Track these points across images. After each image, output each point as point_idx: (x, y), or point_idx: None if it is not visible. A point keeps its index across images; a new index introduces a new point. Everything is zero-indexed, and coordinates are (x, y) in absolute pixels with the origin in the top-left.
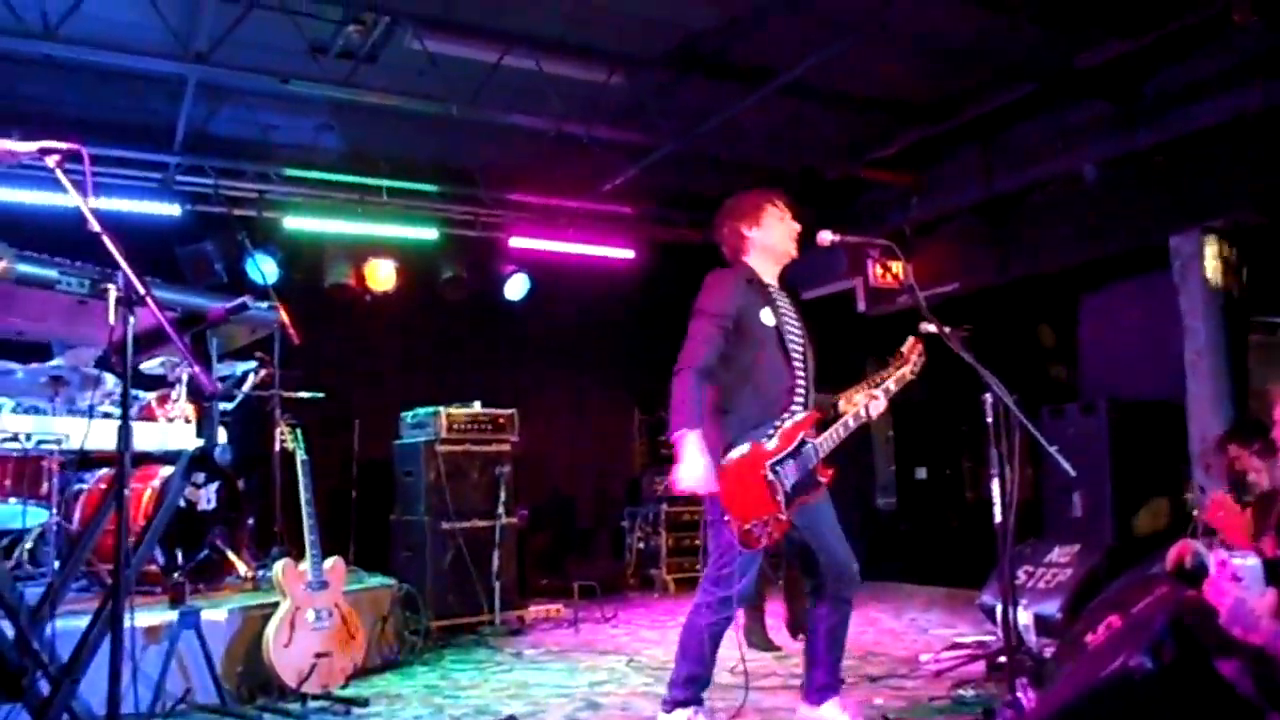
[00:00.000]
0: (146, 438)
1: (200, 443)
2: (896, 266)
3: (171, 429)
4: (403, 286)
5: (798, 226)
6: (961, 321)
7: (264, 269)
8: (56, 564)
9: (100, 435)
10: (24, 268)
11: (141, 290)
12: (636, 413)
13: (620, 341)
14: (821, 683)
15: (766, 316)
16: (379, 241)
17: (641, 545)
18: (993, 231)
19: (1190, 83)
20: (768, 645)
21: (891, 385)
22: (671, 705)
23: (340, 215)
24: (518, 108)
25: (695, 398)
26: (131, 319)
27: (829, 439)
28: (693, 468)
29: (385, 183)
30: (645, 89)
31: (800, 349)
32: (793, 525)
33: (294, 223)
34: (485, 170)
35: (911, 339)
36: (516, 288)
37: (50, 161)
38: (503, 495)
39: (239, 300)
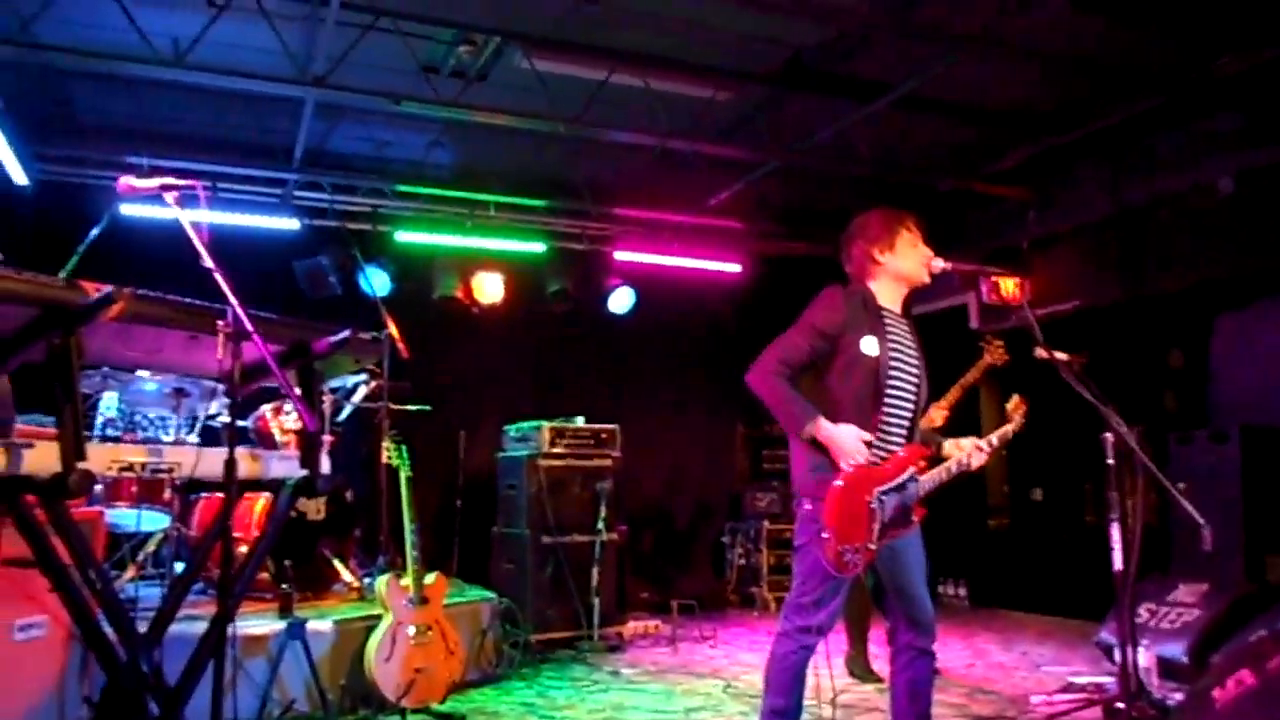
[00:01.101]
0: (251, 467)
1: (304, 473)
2: (1009, 284)
3: (275, 459)
4: (509, 299)
5: (929, 252)
6: (1082, 342)
7: (375, 282)
8: (178, 565)
9: (208, 464)
10: (139, 307)
11: (249, 327)
12: (740, 427)
13: (725, 355)
14: None
15: (869, 345)
16: (487, 255)
17: (743, 562)
18: (1117, 247)
19: None
20: (869, 676)
21: (995, 440)
22: None
23: (449, 229)
24: (624, 124)
25: (794, 393)
26: (239, 353)
27: (931, 479)
28: (850, 437)
29: (494, 198)
30: (752, 105)
31: (902, 384)
32: (878, 560)
33: (405, 236)
34: (592, 185)
35: (1016, 398)
36: (622, 301)
37: (169, 198)
38: (603, 511)
39: (343, 335)
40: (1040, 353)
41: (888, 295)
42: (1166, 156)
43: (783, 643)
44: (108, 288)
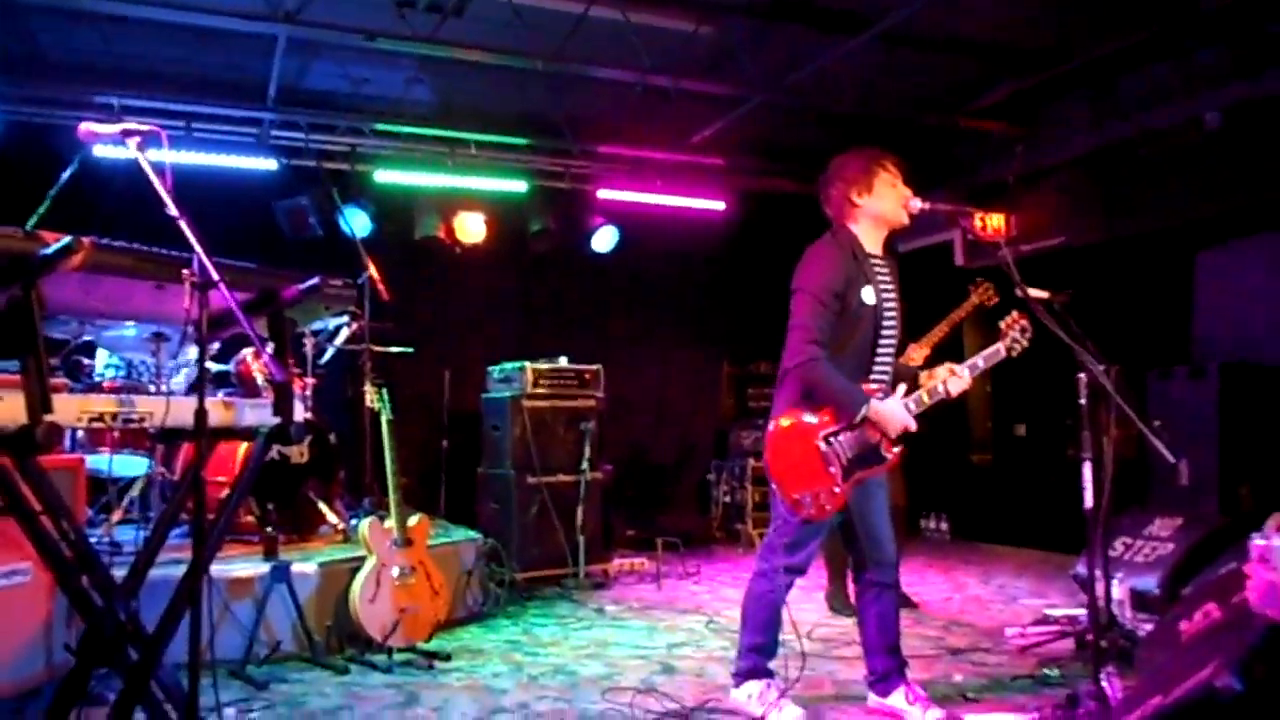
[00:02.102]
0: (224, 416)
1: (276, 421)
2: (996, 220)
3: (248, 407)
4: (492, 239)
5: (909, 193)
6: (1067, 277)
7: (355, 223)
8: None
9: (179, 413)
10: (101, 257)
11: (215, 276)
12: (725, 365)
13: (709, 293)
14: (882, 669)
15: (868, 295)
16: (468, 194)
17: (728, 499)
18: (1103, 183)
19: None
20: (851, 610)
21: (980, 362)
22: (741, 678)
23: (430, 168)
24: (604, 60)
25: (837, 378)
26: (206, 301)
27: None
28: (897, 415)
29: (474, 136)
30: (734, 38)
31: (892, 326)
32: (849, 499)
33: (385, 176)
34: (574, 122)
35: (1015, 313)
36: (605, 240)
37: (131, 143)
38: (587, 450)
39: (312, 282)
40: (1017, 292)
41: (869, 238)
42: (1152, 91)
43: (760, 582)
44: (67, 238)
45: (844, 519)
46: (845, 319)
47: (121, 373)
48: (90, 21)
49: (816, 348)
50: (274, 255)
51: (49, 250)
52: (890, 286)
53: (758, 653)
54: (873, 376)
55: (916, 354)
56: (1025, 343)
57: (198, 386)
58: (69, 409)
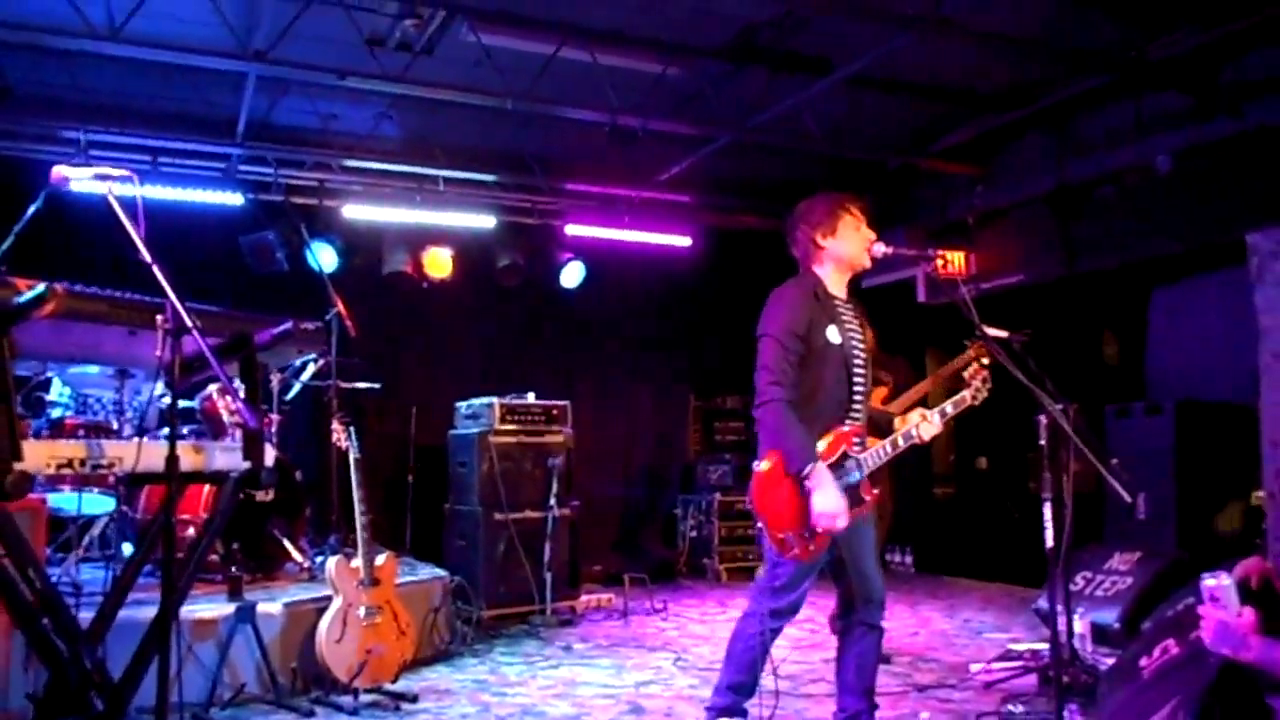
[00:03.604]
0: (193, 460)
1: (246, 465)
2: (956, 259)
3: (218, 451)
4: (460, 274)
5: (872, 235)
6: (1025, 314)
7: (323, 258)
8: (125, 546)
9: (149, 458)
10: (74, 304)
11: (188, 322)
12: (691, 399)
13: (676, 328)
14: (854, 710)
15: (833, 334)
16: (436, 230)
17: (694, 534)
18: (1060, 223)
19: (1270, 74)
20: None
21: (949, 409)
22: (715, 714)
23: (398, 204)
24: (573, 100)
25: (794, 425)
26: (179, 347)
27: (873, 455)
28: (830, 500)
29: (443, 172)
30: (702, 80)
31: (861, 364)
32: (839, 538)
33: (353, 211)
34: (542, 159)
35: (976, 364)
36: (573, 275)
37: (104, 188)
38: (555, 487)
39: (285, 326)
40: (989, 332)
41: (833, 280)
42: (1107, 134)
43: (750, 623)
44: (40, 285)
45: (834, 556)
46: (812, 360)
47: (74, 406)
48: (57, 56)
49: (778, 389)
50: (240, 290)
51: (22, 299)
52: (855, 327)
53: (736, 691)
54: (850, 416)
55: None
56: (986, 393)
57: (170, 432)
58: (38, 455)
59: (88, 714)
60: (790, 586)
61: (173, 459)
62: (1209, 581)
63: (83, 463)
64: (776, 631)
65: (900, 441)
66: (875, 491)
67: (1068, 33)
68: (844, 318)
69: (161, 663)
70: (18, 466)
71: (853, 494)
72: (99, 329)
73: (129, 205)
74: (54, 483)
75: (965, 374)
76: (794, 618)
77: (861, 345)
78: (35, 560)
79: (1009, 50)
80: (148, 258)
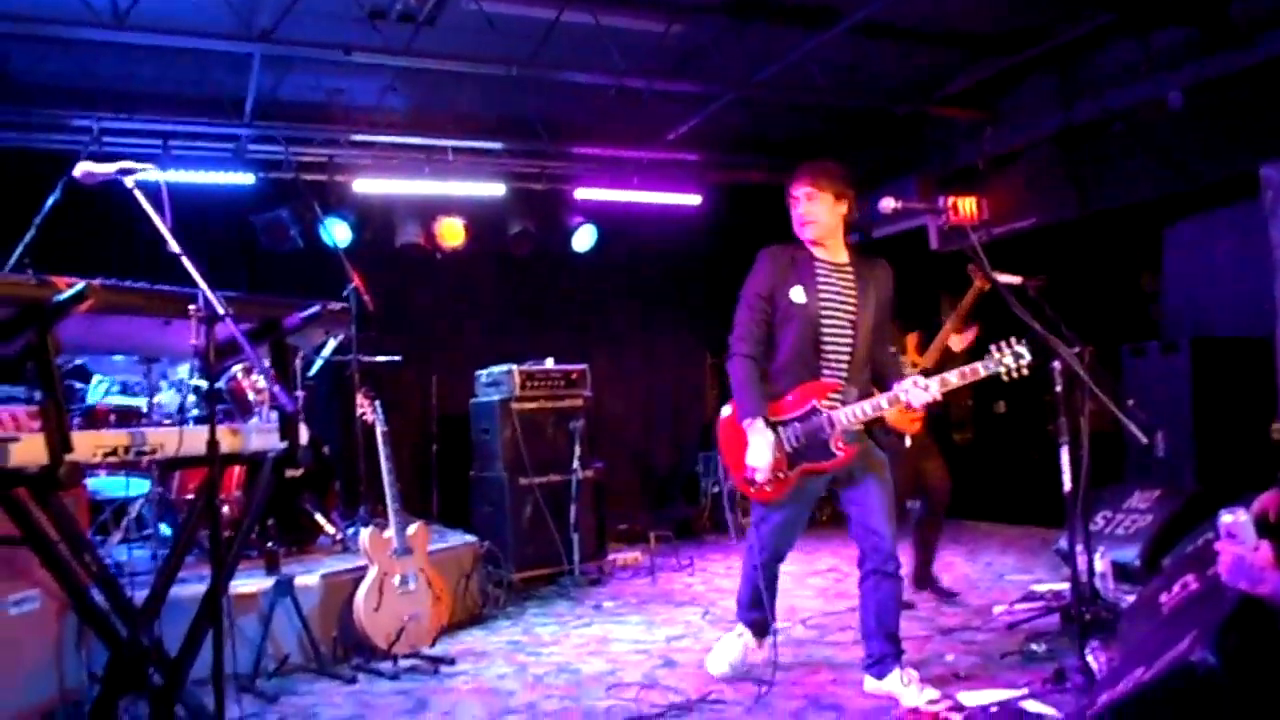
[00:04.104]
0: (231, 442)
1: (282, 446)
2: (968, 204)
3: (254, 433)
4: (472, 243)
5: (801, 213)
6: (1041, 258)
7: (336, 233)
8: (162, 527)
9: (190, 444)
10: (110, 298)
11: (221, 310)
12: (708, 357)
13: (690, 287)
14: (879, 653)
15: (797, 294)
16: (447, 199)
17: (715, 490)
18: (1071, 164)
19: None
20: (933, 587)
21: (953, 378)
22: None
23: (408, 175)
24: (578, 64)
25: (749, 381)
26: (213, 335)
27: (851, 413)
28: (756, 453)
29: (451, 142)
30: (705, 37)
31: (834, 327)
32: (836, 496)
33: (363, 185)
34: (548, 124)
35: (1012, 339)
36: (584, 239)
37: (129, 181)
38: (578, 449)
39: (313, 309)
40: (999, 278)
41: (819, 247)
42: (1115, 72)
43: (750, 553)
44: (80, 283)
45: (847, 516)
46: (777, 319)
47: (116, 388)
48: (61, 45)
49: (741, 344)
50: (255, 269)
51: (62, 296)
52: (840, 292)
53: (754, 627)
54: (824, 375)
55: (957, 344)
56: (1018, 372)
57: (208, 416)
58: (84, 445)
59: (147, 689)
60: (760, 523)
61: (213, 444)
62: (1226, 517)
63: (126, 450)
64: (758, 566)
65: (884, 404)
66: (851, 449)
67: None
68: (824, 281)
69: (216, 636)
70: (68, 458)
71: (820, 446)
72: (133, 320)
73: (153, 195)
74: (93, 469)
75: (992, 346)
76: (777, 555)
77: (842, 307)
78: (89, 544)
79: None
80: (176, 248)
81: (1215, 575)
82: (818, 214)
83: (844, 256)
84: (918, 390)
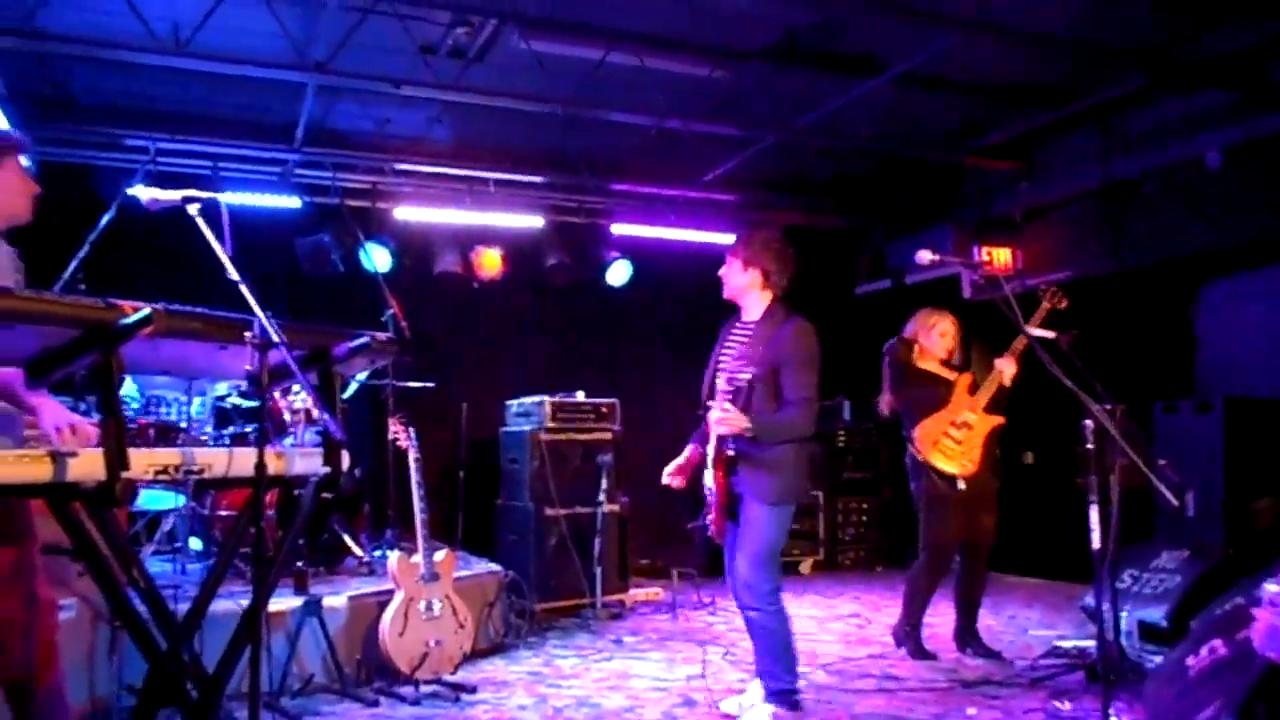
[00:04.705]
0: (276, 465)
1: (326, 470)
2: (1003, 255)
3: (298, 457)
4: (509, 273)
5: (720, 274)
6: (1072, 311)
7: (376, 259)
8: (192, 541)
9: (238, 465)
10: (171, 323)
11: (277, 339)
12: None
13: (720, 327)
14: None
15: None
16: (486, 230)
17: None
18: (1108, 218)
19: None
20: (979, 648)
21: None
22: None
23: (449, 205)
24: (620, 104)
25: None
26: (267, 361)
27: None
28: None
29: (492, 174)
30: (747, 81)
31: (723, 377)
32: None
33: (404, 213)
34: (589, 159)
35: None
36: (619, 274)
37: (192, 209)
38: (604, 483)
39: (362, 340)
40: (1033, 332)
41: (739, 307)
42: (1155, 130)
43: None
44: (145, 308)
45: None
46: None
47: (137, 404)
48: (120, 67)
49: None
50: (295, 292)
51: (128, 320)
52: (733, 344)
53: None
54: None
55: (1008, 378)
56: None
57: (259, 438)
58: (138, 463)
59: (185, 703)
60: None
61: (261, 467)
62: (1271, 587)
63: (177, 469)
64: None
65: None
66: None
67: (1114, 30)
68: (729, 336)
69: (253, 655)
70: (125, 475)
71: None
72: (189, 344)
73: (214, 220)
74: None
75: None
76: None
77: (727, 360)
78: (137, 558)
79: (1055, 48)
80: (236, 275)
81: (1244, 641)
82: (727, 277)
83: (755, 315)
84: (716, 411)
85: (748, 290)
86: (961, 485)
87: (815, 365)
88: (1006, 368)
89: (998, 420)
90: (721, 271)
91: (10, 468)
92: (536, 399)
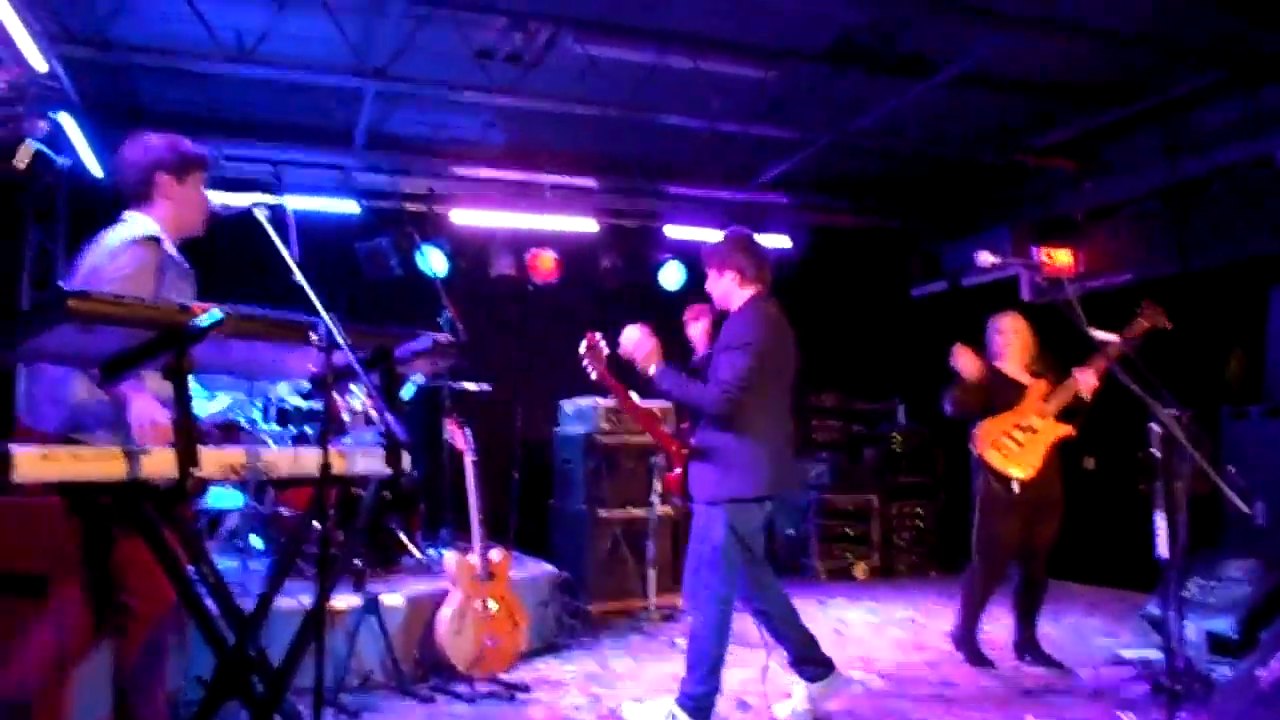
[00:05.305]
0: (339, 464)
1: (389, 472)
2: (1063, 256)
3: (360, 457)
4: (563, 276)
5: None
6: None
7: (433, 262)
8: (253, 539)
9: (302, 465)
10: (240, 325)
11: (342, 341)
12: (790, 398)
13: None
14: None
15: None
16: (541, 233)
17: (790, 532)
18: (1173, 219)
19: None
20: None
21: None
22: None
23: (504, 208)
24: (675, 107)
25: None
26: (332, 363)
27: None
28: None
29: (547, 178)
30: (801, 83)
31: None
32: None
33: (460, 216)
34: (642, 163)
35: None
36: (673, 276)
37: (260, 215)
38: (657, 485)
39: (423, 343)
40: (1097, 334)
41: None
42: (1222, 129)
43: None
44: (216, 310)
45: None
46: None
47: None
48: (185, 76)
49: None
50: (354, 295)
51: (200, 322)
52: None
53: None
54: None
55: (1086, 390)
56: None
57: (323, 438)
58: (209, 462)
59: (251, 697)
60: None
61: (326, 466)
62: None
63: (243, 467)
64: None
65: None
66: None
67: (1179, 26)
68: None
69: (318, 651)
70: (195, 473)
71: None
72: (255, 344)
73: (282, 226)
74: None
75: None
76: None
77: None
78: (206, 554)
79: (1118, 45)
80: (302, 280)
81: None
82: (710, 289)
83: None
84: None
85: (730, 293)
86: (1016, 488)
87: (751, 351)
88: (1086, 379)
89: (1065, 430)
90: (707, 287)
91: (86, 464)
92: (590, 401)
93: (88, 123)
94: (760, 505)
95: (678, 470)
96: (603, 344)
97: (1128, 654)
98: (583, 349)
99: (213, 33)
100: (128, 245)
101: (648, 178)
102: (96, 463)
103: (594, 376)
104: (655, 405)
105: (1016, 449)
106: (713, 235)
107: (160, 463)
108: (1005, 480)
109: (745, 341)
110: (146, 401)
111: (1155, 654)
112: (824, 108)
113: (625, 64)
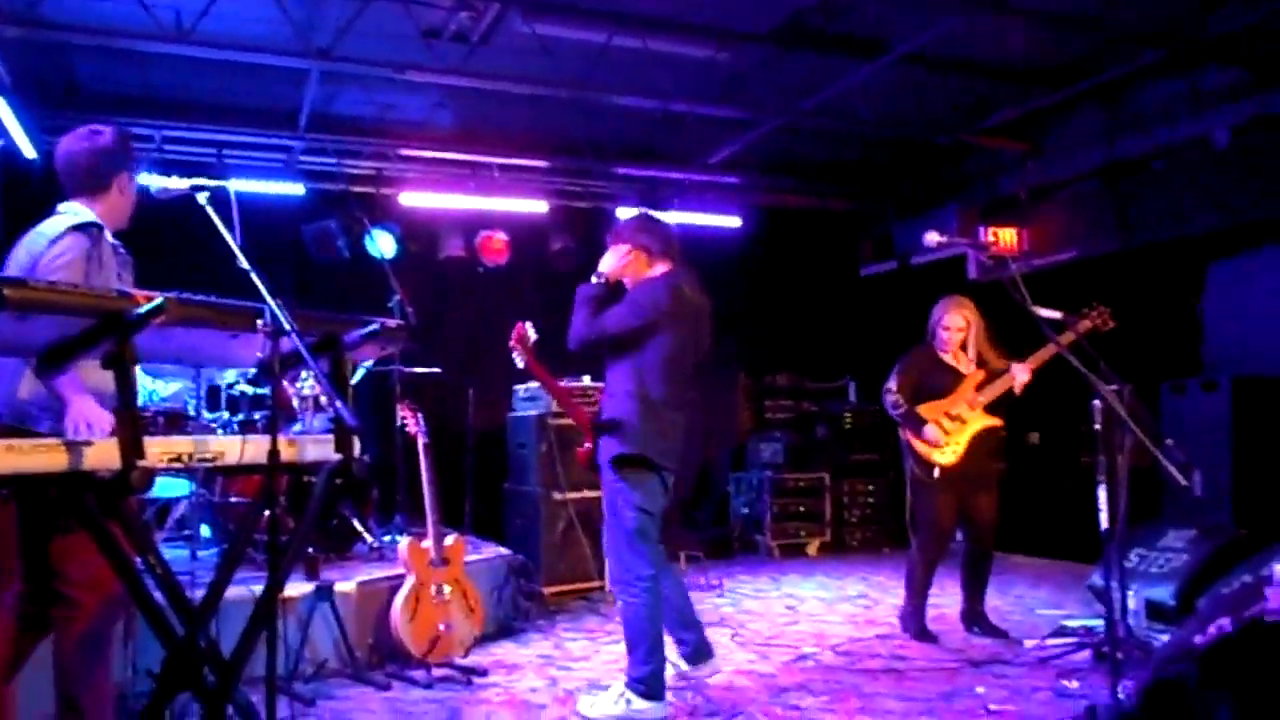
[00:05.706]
0: (289, 452)
1: (338, 458)
2: (1008, 235)
3: (310, 444)
4: (513, 258)
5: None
6: (1079, 290)
7: (382, 245)
8: (203, 528)
9: (251, 453)
10: (183, 312)
11: (288, 326)
12: (741, 377)
13: (727, 307)
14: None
15: None
16: (491, 214)
17: (746, 510)
18: (1114, 198)
19: None
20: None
21: None
22: None
23: (453, 190)
24: (625, 87)
25: None
26: (279, 349)
27: None
28: None
29: (497, 159)
30: (751, 64)
31: None
32: None
33: (409, 198)
34: (593, 143)
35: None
36: None
37: (201, 198)
38: None
39: (371, 327)
40: (1041, 312)
41: None
42: (1162, 108)
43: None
44: (158, 297)
45: None
46: None
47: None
48: (124, 55)
49: None
50: (301, 278)
51: (141, 310)
52: None
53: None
54: None
55: (1019, 386)
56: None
57: (271, 424)
58: (152, 451)
59: (202, 688)
60: None
61: (274, 454)
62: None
63: (190, 456)
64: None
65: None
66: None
67: (1121, 7)
68: None
69: (269, 640)
70: (140, 463)
71: None
72: (200, 332)
73: (221, 209)
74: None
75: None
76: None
77: None
78: (153, 544)
79: (1061, 26)
80: (246, 264)
81: (1250, 619)
82: (618, 269)
83: None
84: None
85: (640, 271)
86: (937, 473)
87: (641, 314)
88: (1020, 374)
89: (993, 422)
90: (610, 269)
91: (26, 457)
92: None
93: (19, 103)
94: (660, 479)
95: (588, 445)
96: (531, 333)
97: (1072, 624)
98: (512, 340)
99: (149, 11)
100: (67, 232)
101: (598, 158)
102: (36, 455)
103: (521, 365)
104: (578, 387)
105: (942, 437)
106: (664, 217)
107: (104, 454)
108: (928, 466)
109: (639, 303)
110: (85, 403)
111: (1098, 623)
112: (775, 88)
113: (574, 43)
